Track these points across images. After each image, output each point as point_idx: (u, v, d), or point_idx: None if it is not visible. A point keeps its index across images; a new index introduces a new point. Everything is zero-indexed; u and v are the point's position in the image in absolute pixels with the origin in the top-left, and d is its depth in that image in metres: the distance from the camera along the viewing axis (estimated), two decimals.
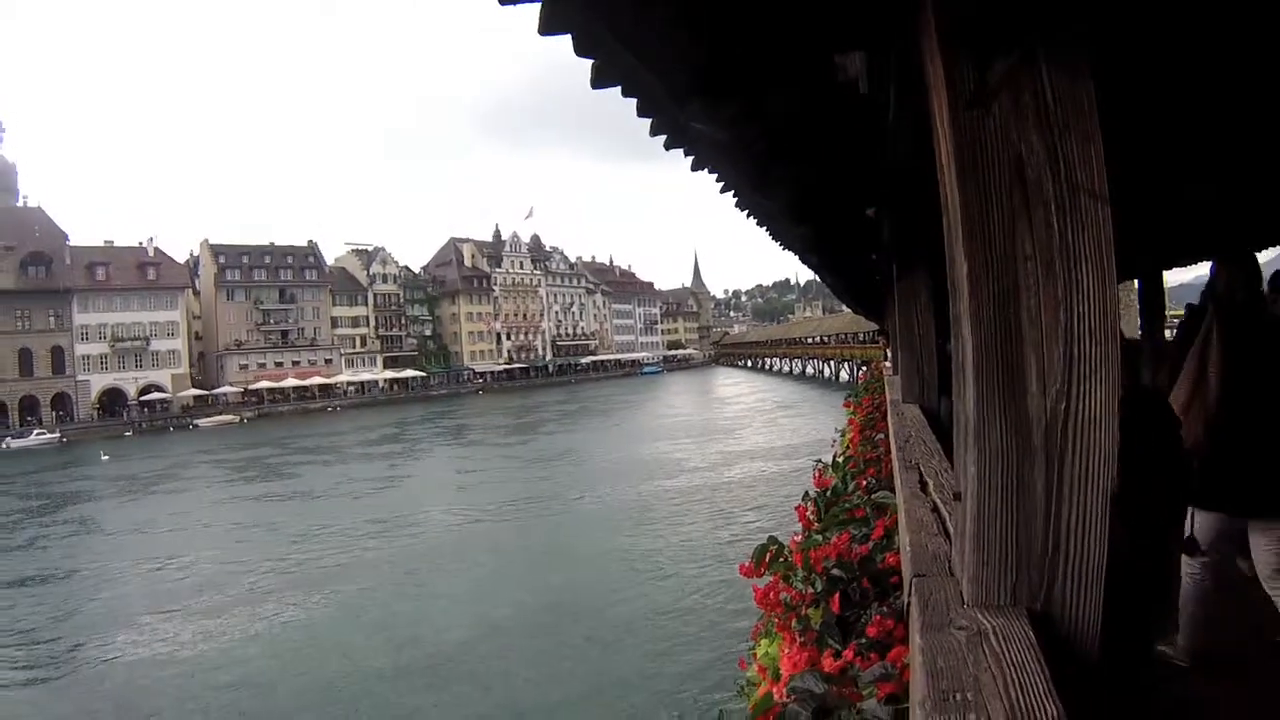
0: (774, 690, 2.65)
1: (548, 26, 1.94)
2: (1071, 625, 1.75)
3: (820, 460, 7.53)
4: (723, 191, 5.14)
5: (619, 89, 2.53)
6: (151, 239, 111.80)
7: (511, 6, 1.86)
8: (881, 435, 7.35)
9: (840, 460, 7.12)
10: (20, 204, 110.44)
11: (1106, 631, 1.77)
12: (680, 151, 3.66)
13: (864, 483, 5.24)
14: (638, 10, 2.05)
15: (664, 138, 3.31)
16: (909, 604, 2.07)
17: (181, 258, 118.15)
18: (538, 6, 1.86)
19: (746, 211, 6.20)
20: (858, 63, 2.30)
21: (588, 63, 2.26)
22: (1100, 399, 1.71)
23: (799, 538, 4.26)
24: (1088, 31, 1.70)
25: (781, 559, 3.90)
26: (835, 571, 3.19)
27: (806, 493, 5.73)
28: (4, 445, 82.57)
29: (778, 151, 3.74)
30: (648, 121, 3.05)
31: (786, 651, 3.01)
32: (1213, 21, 2.58)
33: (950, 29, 1.74)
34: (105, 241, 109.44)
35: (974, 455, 1.80)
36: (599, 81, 2.38)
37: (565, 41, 2.05)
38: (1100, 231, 1.70)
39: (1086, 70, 1.70)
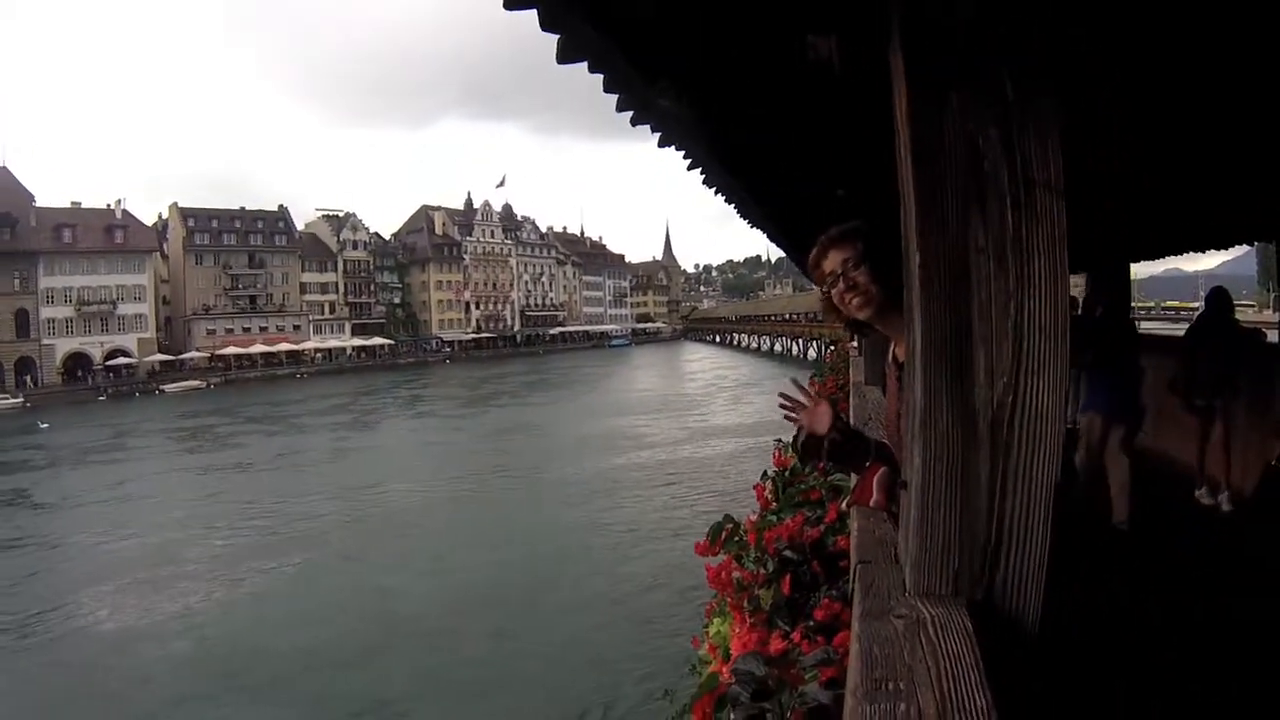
0: (722, 670, 2.66)
1: (514, 0, 1.93)
2: (1011, 615, 1.76)
3: (780, 439, 7.54)
4: (690, 169, 5.12)
5: (585, 64, 2.51)
6: (120, 201, 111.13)
7: None
8: (843, 416, 7.35)
9: (801, 440, 7.11)
10: None
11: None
12: (648, 126, 3.65)
13: (822, 464, 5.24)
14: None
15: (631, 113, 3.29)
16: (853, 590, 2.08)
17: (150, 221, 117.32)
18: None
19: (715, 189, 6.19)
20: (832, 43, 2.29)
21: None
22: (1047, 392, 1.72)
23: (755, 517, 4.27)
24: (1049, 32, 1.70)
25: (736, 538, 3.91)
26: (787, 553, 3.20)
27: (765, 472, 5.74)
28: None
29: (746, 131, 3.73)
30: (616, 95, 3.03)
31: (737, 632, 3.02)
32: (1177, 20, 2.58)
33: (913, 20, 1.73)
34: (72, 203, 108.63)
35: (920, 444, 1.80)
36: (565, 57, 2.36)
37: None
38: (1054, 225, 1.70)
39: (1047, 64, 1.70)
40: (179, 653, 17.57)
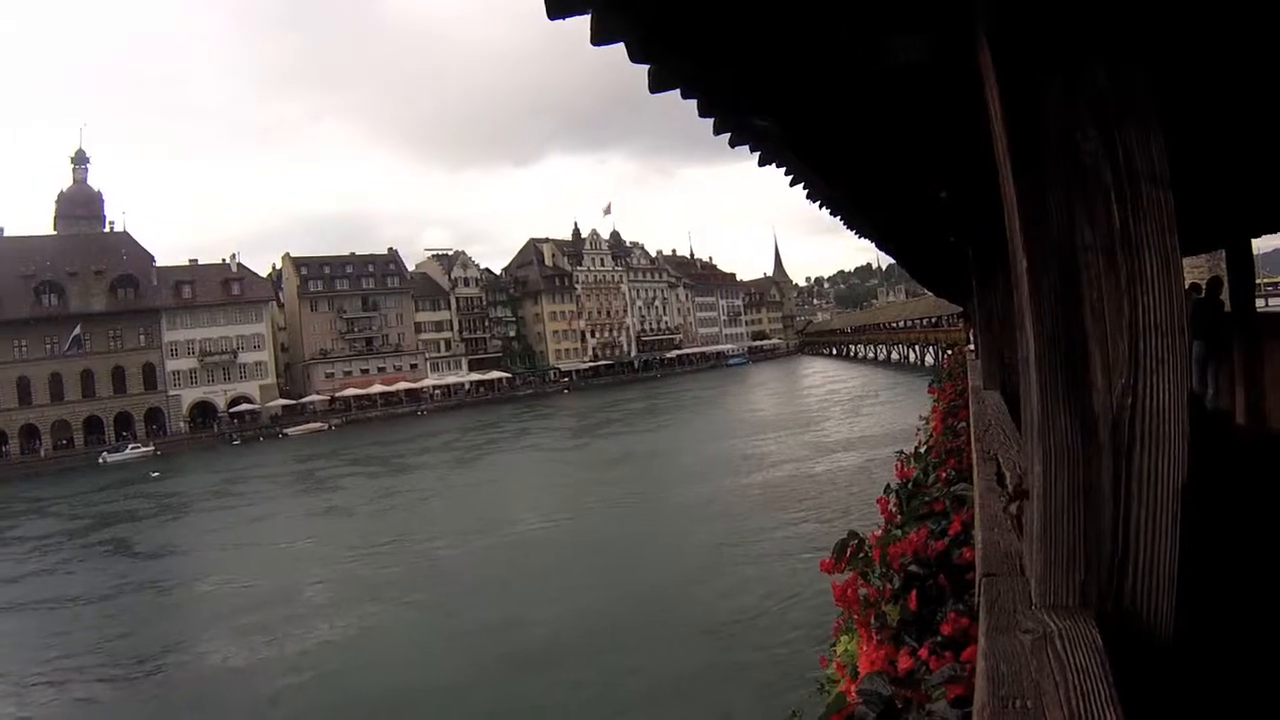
0: (849, 690, 2.62)
1: (599, 37, 1.94)
2: (1142, 626, 1.69)
3: (902, 451, 7.43)
4: (792, 184, 5.10)
5: (678, 92, 2.51)
6: (234, 255, 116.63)
7: (561, 20, 1.87)
8: (963, 424, 7.23)
9: (922, 450, 7.01)
10: (107, 229, 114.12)
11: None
12: (747, 146, 3.64)
13: (944, 474, 5.14)
14: (688, 14, 2.03)
15: (728, 135, 3.29)
16: (979, 604, 2.03)
17: (264, 272, 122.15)
18: (589, 18, 1.87)
19: (819, 202, 6.15)
20: (920, 46, 2.26)
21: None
22: (1168, 392, 1.65)
23: (879, 532, 4.20)
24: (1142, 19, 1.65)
25: (861, 554, 3.85)
26: (913, 568, 3.13)
27: (888, 485, 5.66)
28: (101, 460, 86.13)
29: (842, 141, 3.70)
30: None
31: (864, 649, 2.97)
32: None
33: (1000, 17, 1.70)
34: (190, 260, 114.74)
35: (1040, 453, 1.75)
36: (656, 86, 2.37)
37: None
38: (1162, 217, 1.64)
39: (1141, 51, 1.64)
40: (298, 687, 17.77)
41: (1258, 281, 14.28)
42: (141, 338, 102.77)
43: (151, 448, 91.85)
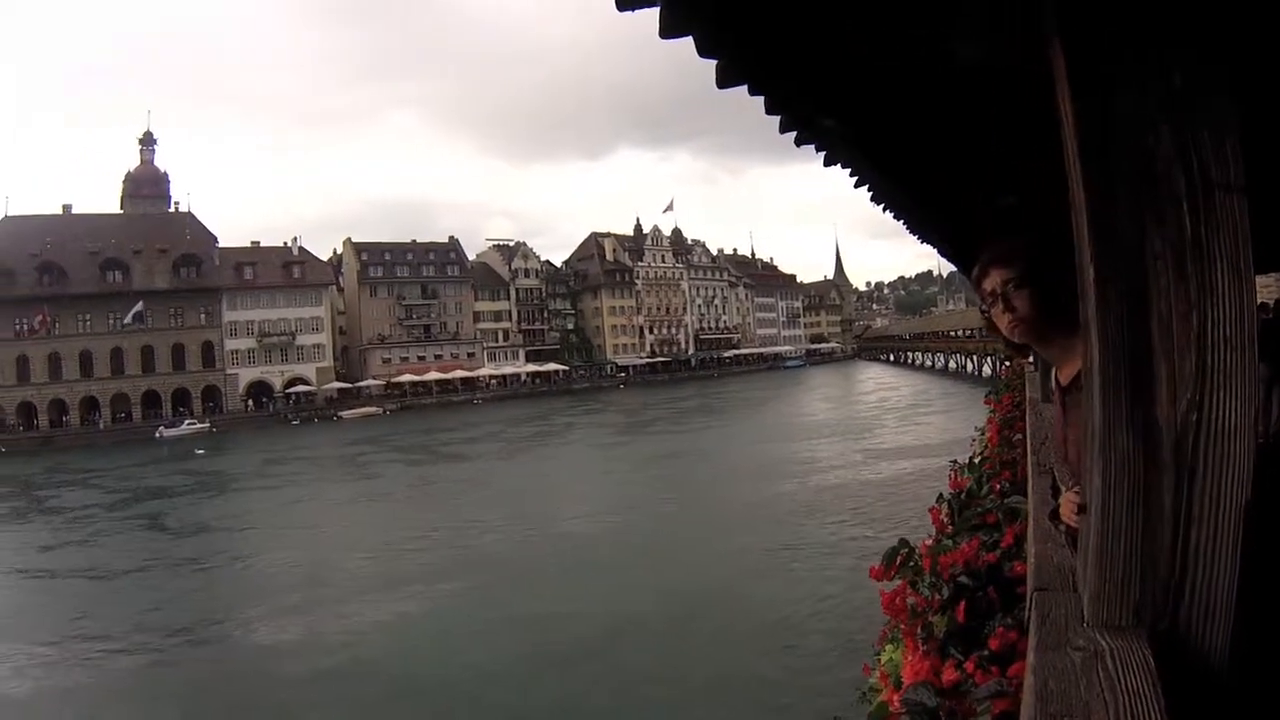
0: (892, 699, 2.58)
1: (668, 30, 1.92)
2: (1197, 650, 1.63)
3: (956, 461, 7.35)
4: (857, 186, 5.07)
5: (745, 88, 2.49)
6: (296, 239, 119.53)
7: (630, 12, 1.85)
8: (1019, 436, 7.15)
9: (977, 461, 6.93)
10: (172, 209, 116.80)
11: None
12: (812, 147, 3.61)
13: (998, 486, 5.08)
14: (756, 9, 2.01)
15: (794, 134, 3.26)
16: (1029, 619, 1.99)
17: (325, 256, 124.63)
18: (657, 11, 1.85)
19: (883, 205, 6.10)
20: (990, 46, 2.22)
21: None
22: (1235, 410, 1.59)
23: (930, 541, 4.16)
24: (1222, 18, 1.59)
25: (911, 563, 3.81)
26: (962, 579, 3.09)
27: (940, 495, 5.60)
28: (158, 434, 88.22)
29: (908, 143, 3.66)
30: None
31: (909, 659, 2.93)
32: None
33: (1072, 15, 1.65)
34: (252, 242, 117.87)
35: (1099, 466, 1.70)
36: (724, 81, 2.34)
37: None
38: (1236, 227, 1.58)
39: (1220, 51, 1.59)
40: (330, 669, 17.70)
41: None
42: (202, 316, 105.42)
43: (207, 424, 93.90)
